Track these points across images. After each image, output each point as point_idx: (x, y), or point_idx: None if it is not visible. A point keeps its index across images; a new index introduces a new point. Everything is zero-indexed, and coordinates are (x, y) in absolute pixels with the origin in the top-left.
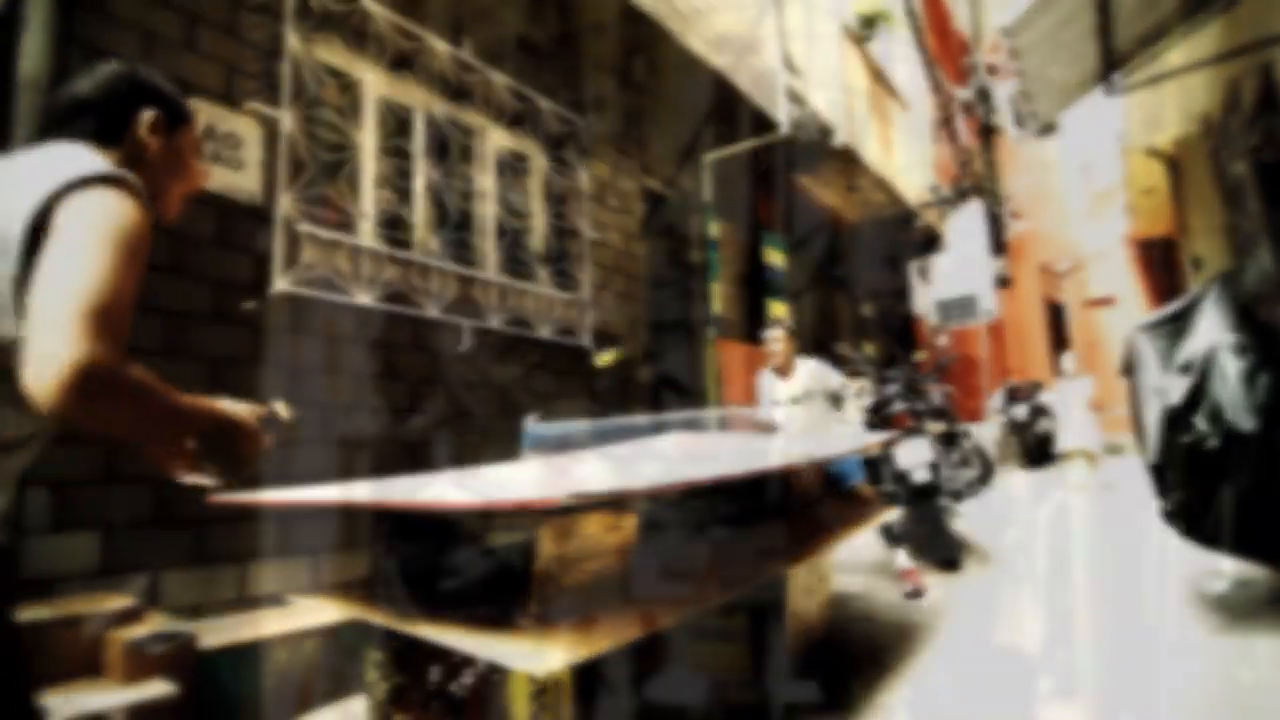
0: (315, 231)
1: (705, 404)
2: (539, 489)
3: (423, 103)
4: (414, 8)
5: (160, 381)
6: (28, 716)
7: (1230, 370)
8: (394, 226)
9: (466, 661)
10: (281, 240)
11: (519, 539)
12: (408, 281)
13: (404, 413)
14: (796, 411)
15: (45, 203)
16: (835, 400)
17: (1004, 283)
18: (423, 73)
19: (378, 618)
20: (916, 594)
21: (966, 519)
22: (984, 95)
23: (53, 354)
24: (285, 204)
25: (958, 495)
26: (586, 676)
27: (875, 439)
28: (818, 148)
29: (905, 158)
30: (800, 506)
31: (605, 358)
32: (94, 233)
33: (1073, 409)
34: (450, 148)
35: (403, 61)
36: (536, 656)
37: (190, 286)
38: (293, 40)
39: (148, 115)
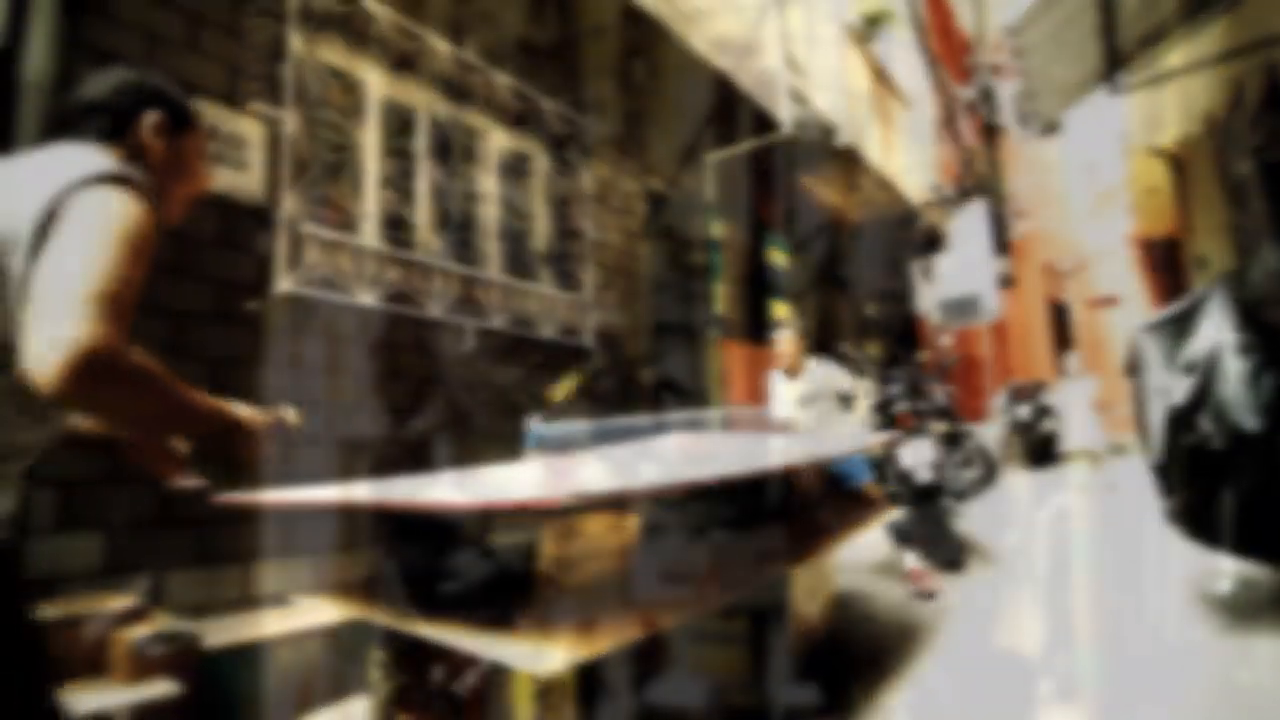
0: (318, 232)
1: (708, 404)
2: (541, 489)
3: (425, 103)
4: (416, 9)
5: (167, 372)
6: (49, 713)
7: (1234, 370)
8: (396, 227)
9: (469, 661)
10: (284, 241)
11: (521, 540)
12: (410, 282)
13: (406, 413)
14: (804, 412)
15: (53, 201)
16: (845, 401)
17: (1007, 282)
18: (425, 73)
19: (380, 618)
20: (928, 595)
21: (969, 519)
22: (987, 95)
23: (57, 337)
24: (288, 204)
25: (961, 495)
26: (588, 679)
27: (877, 439)
28: (820, 148)
29: (908, 157)
30: (802, 507)
31: (562, 386)
32: (100, 226)
33: (1076, 409)
34: (452, 148)
35: (405, 62)
36: (539, 657)
37: (193, 287)
38: (295, 41)
39: (152, 117)
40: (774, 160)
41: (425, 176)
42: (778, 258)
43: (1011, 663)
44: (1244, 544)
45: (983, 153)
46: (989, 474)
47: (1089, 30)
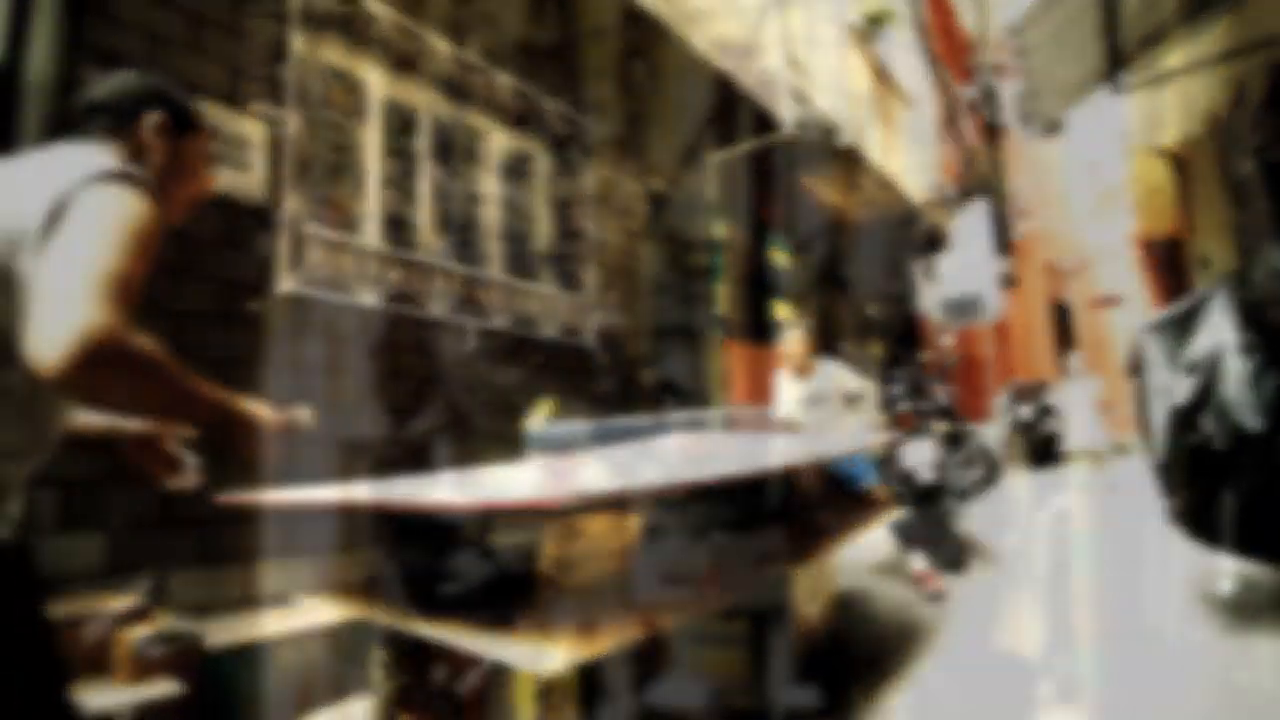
0: (320, 232)
1: (709, 405)
2: (542, 490)
3: (426, 104)
4: (417, 9)
5: (173, 361)
6: (63, 711)
7: (1236, 370)
8: (398, 227)
9: (470, 661)
10: (287, 241)
11: (521, 540)
12: (411, 282)
13: (407, 414)
14: (810, 413)
15: (59, 198)
16: (854, 404)
17: (1009, 282)
18: (426, 74)
19: (382, 618)
20: (936, 596)
21: (971, 519)
22: (988, 94)
23: (63, 323)
24: (290, 204)
25: (963, 496)
26: (589, 680)
27: (878, 439)
28: (821, 148)
29: (909, 157)
30: (803, 508)
31: (537, 413)
32: (105, 221)
33: (1078, 409)
34: (454, 148)
35: (406, 63)
36: (541, 657)
37: (195, 287)
38: (297, 42)
39: (153, 118)
40: (775, 161)
41: (426, 177)
42: (779, 258)
43: (1012, 664)
44: (1246, 544)
45: (984, 152)
46: (991, 474)
47: (1091, 30)
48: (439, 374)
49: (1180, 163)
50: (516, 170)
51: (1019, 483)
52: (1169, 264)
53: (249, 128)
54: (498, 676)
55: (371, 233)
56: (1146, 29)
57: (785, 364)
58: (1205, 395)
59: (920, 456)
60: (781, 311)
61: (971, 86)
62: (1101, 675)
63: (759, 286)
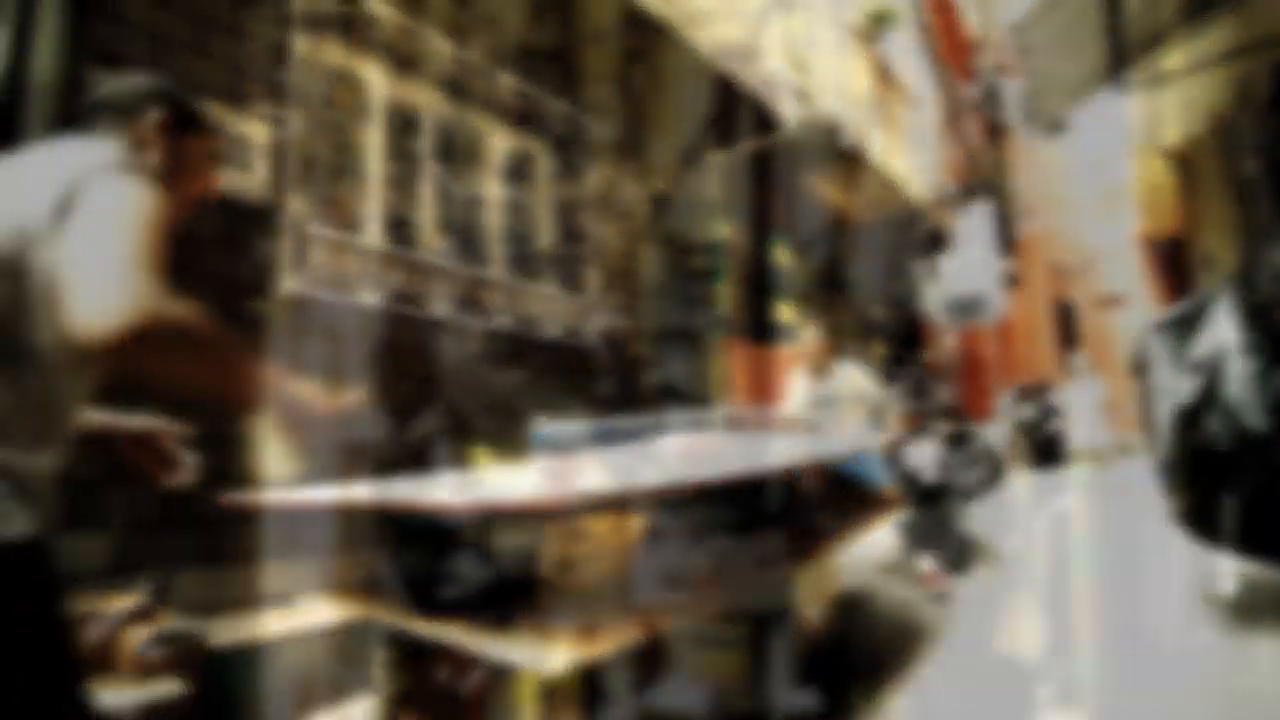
0: (323, 232)
1: (711, 405)
2: (544, 490)
3: (428, 104)
4: (420, 10)
5: (221, 333)
6: (79, 709)
7: (1241, 370)
8: (400, 228)
9: (473, 662)
10: (289, 241)
11: (524, 541)
12: (414, 283)
13: (408, 415)
14: (821, 414)
15: (69, 187)
16: (870, 407)
17: (1012, 282)
18: (428, 74)
19: (385, 618)
20: (941, 597)
21: (975, 520)
22: (992, 94)
23: (108, 294)
24: (293, 205)
25: (966, 496)
26: (590, 683)
27: (880, 438)
28: (823, 148)
29: (912, 157)
30: (804, 509)
31: (480, 454)
32: (121, 205)
33: (1082, 409)
34: (456, 149)
35: (408, 63)
36: (544, 657)
37: (198, 287)
38: (300, 43)
39: (154, 115)
40: (777, 161)
41: (428, 177)
42: (781, 259)
43: (1014, 666)
44: (1249, 544)
45: (988, 152)
46: (994, 474)
47: (1094, 29)
48: (440, 375)
49: (1184, 162)
50: (518, 171)
51: (1022, 483)
52: (1173, 264)
53: (251, 128)
54: (500, 678)
55: (373, 233)
56: (1150, 28)
57: (802, 363)
58: (1209, 395)
59: (923, 457)
60: (784, 312)
61: (975, 86)
62: (1103, 678)
63: (761, 287)
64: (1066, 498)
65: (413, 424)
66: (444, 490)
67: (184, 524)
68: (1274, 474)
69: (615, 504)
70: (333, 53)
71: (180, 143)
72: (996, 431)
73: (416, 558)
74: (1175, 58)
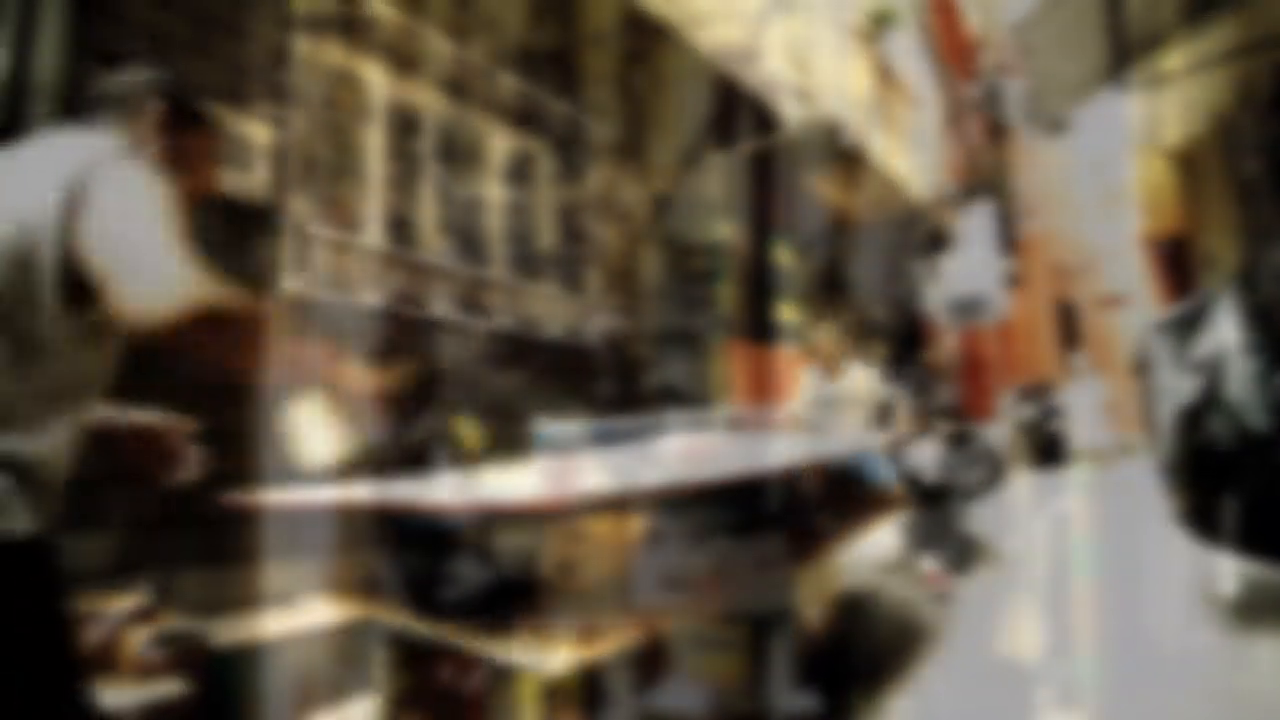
0: (323, 233)
1: (712, 405)
2: (545, 490)
3: (430, 105)
4: (421, 11)
5: (265, 310)
6: (79, 708)
7: (1243, 370)
8: (401, 228)
9: (475, 662)
10: (290, 241)
11: (524, 542)
12: (414, 283)
13: (409, 416)
14: (827, 413)
15: (78, 175)
16: (880, 409)
17: (1014, 282)
18: (429, 75)
19: (387, 618)
20: (943, 597)
21: (976, 520)
22: (994, 93)
23: (161, 278)
24: (294, 205)
25: (968, 496)
26: (591, 684)
27: (881, 438)
28: (824, 148)
29: (913, 157)
30: (806, 509)
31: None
32: (142, 192)
33: (1083, 409)
34: (457, 150)
35: (409, 64)
36: (545, 658)
37: None
38: (301, 44)
39: (154, 109)
40: (778, 161)
41: (429, 178)
42: (783, 259)
43: (1016, 668)
44: (1251, 544)
45: (989, 152)
46: (995, 474)
47: (1096, 29)
48: (443, 374)
49: (1186, 162)
50: (519, 172)
51: (1024, 483)
52: (1174, 263)
53: (253, 128)
54: (501, 678)
55: (374, 233)
56: (1151, 28)
57: (815, 361)
58: (1211, 395)
59: (925, 457)
60: (785, 312)
61: (976, 86)
62: (1104, 679)
63: (762, 288)
64: (1067, 498)
65: (413, 426)
66: (444, 491)
67: (185, 523)
68: (1275, 474)
69: (615, 505)
70: (333, 53)
71: (180, 137)
72: (998, 431)
73: (417, 559)
74: (1176, 57)
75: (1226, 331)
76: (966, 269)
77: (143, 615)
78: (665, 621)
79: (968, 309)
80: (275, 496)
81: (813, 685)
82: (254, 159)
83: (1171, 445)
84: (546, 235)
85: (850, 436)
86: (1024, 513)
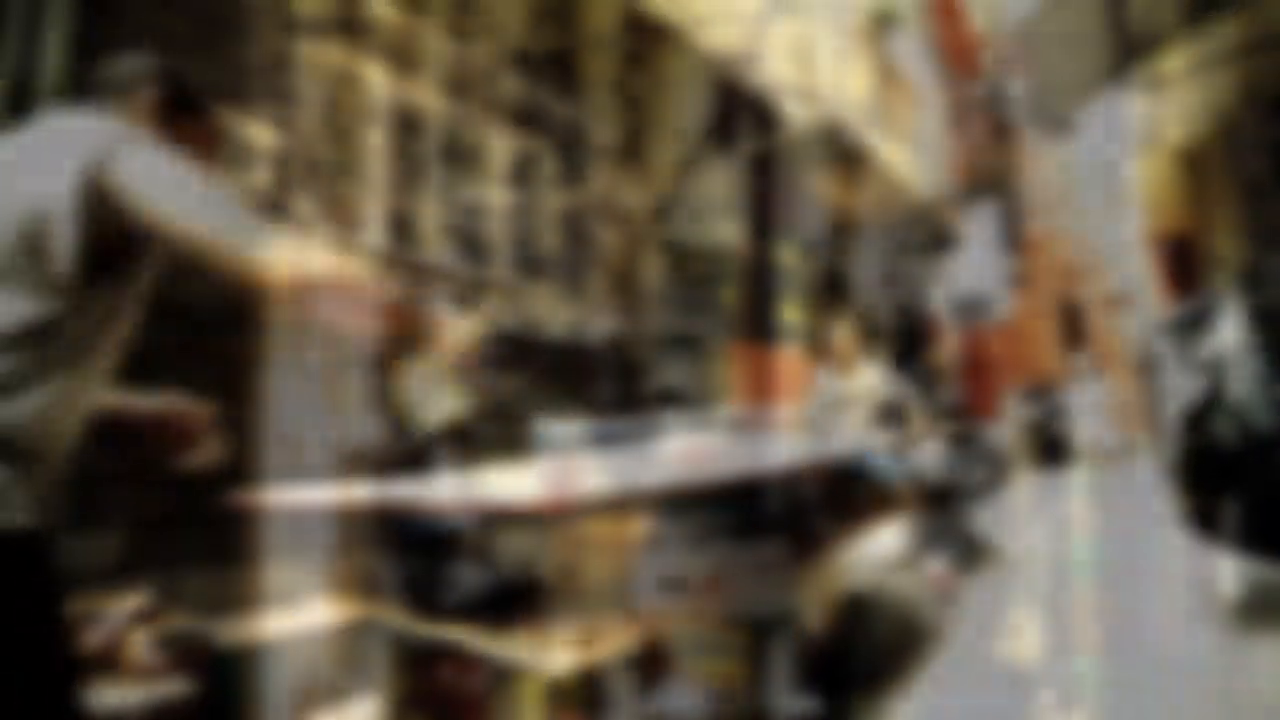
0: (324, 233)
1: (713, 407)
2: (546, 492)
3: (431, 106)
4: (422, 12)
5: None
6: (72, 709)
7: (1249, 370)
8: (402, 229)
9: (477, 664)
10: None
11: (525, 543)
12: (415, 284)
13: (408, 418)
14: (837, 413)
15: (98, 155)
16: (890, 408)
17: (1018, 281)
18: (431, 76)
19: (390, 619)
20: (948, 599)
21: (979, 520)
22: (998, 92)
23: (256, 244)
24: (295, 205)
25: (971, 496)
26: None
27: (897, 437)
28: (828, 148)
29: (917, 157)
30: (809, 511)
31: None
32: (179, 166)
33: (1088, 409)
34: (458, 151)
35: (412, 65)
36: (546, 660)
37: (201, 288)
38: (303, 45)
39: (148, 95)
40: (780, 162)
41: (431, 179)
42: (785, 260)
43: (1017, 669)
44: (1255, 545)
45: (993, 152)
46: (999, 474)
47: (1101, 28)
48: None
49: (1190, 161)
50: (520, 173)
51: (1027, 483)
52: (1179, 264)
53: (254, 128)
54: (503, 680)
55: (375, 234)
56: (1155, 27)
57: (828, 361)
58: (1217, 395)
59: (928, 457)
60: (788, 314)
61: (981, 84)
62: (1106, 681)
63: (764, 289)
64: (1071, 498)
65: (413, 428)
66: (444, 492)
67: (188, 523)
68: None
69: (616, 506)
70: (335, 54)
71: (177, 126)
72: (1002, 431)
73: (417, 560)
74: (1180, 57)
75: (1231, 332)
76: (970, 269)
77: (145, 615)
78: (666, 624)
79: (971, 309)
80: (277, 496)
81: (814, 688)
82: (256, 160)
83: (1177, 446)
84: (548, 237)
85: (858, 436)
86: (1026, 513)
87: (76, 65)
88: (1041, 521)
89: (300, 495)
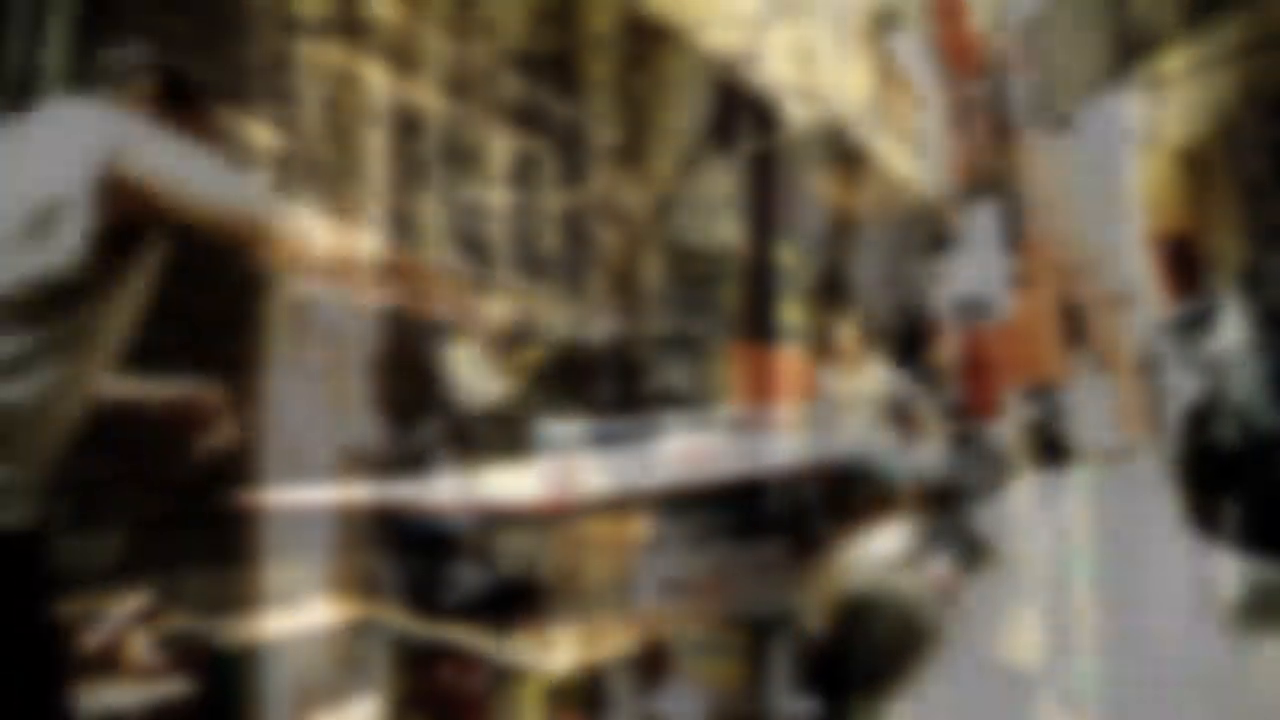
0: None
1: (714, 407)
2: (546, 492)
3: (432, 106)
4: (423, 12)
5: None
6: (59, 712)
7: (1251, 370)
8: (403, 230)
9: (477, 664)
10: None
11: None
12: (416, 285)
13: (412, 416)
14: (847, 413)
15: (113, 142)
16: (896, 407)
17: (1019, 281)
18: (432, 77)
19: (390, 619)
20: (950, 599)
21: (979, 521)
22: (1000, 92)
23: (238, 186)
24: (296, 206)
25: (972, 496)
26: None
27: (897, 437)
28: (828, 148)
29: (918, 156)
30: (810, 511)
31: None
32: (182, 145)
33: (1089, 409)
34: (459, 151)
35: (412, 65)
36: (548, 658)
37: (202, 289)
38: (303, 46)
39: (145, 86)
40: (781, 163)
41: (431, 180)
42: (786, 260)
43: (1018, 670)
44: (1259, 546)
45: (995, 151)
46: (1000, 475)
47: (1102, 27)
48: (441, 379)
49: (1192, 161)
50: (521, 174)
51: (1028, 483)
52: (1181, 263)
53: (254, 128)
54: (503, 681)
55: (377, 234)
56: (1157, 26)
57: (833, 360)
58: (1219, 395)
59: (930, 457)
60: (789, 314)
61: (983, 84)
62: (1107, 681)
63: (765, 289)
64: (1072, 498)
65: (413, 430)
66: (444, 492)
67: (188, 523)
68: None
69: (616, 506)
70: (335, 55)
71: (174, 115)
72: (1003, 431)
73: (418, 561)
74: (1181, 57)
75: (1232, 332)
76: (970, 269)
77: (146, 616)
78: (666, 624)
79: (972, 309)
80: (277, 496)
81: (814, 689)
82: (256, 160)
83: (1179, 445)
84: (548, 237)
85: (860, 435)
86: (1027, 514)
87: (78, 68)
88: (1042, 521)
89: (300, 495)
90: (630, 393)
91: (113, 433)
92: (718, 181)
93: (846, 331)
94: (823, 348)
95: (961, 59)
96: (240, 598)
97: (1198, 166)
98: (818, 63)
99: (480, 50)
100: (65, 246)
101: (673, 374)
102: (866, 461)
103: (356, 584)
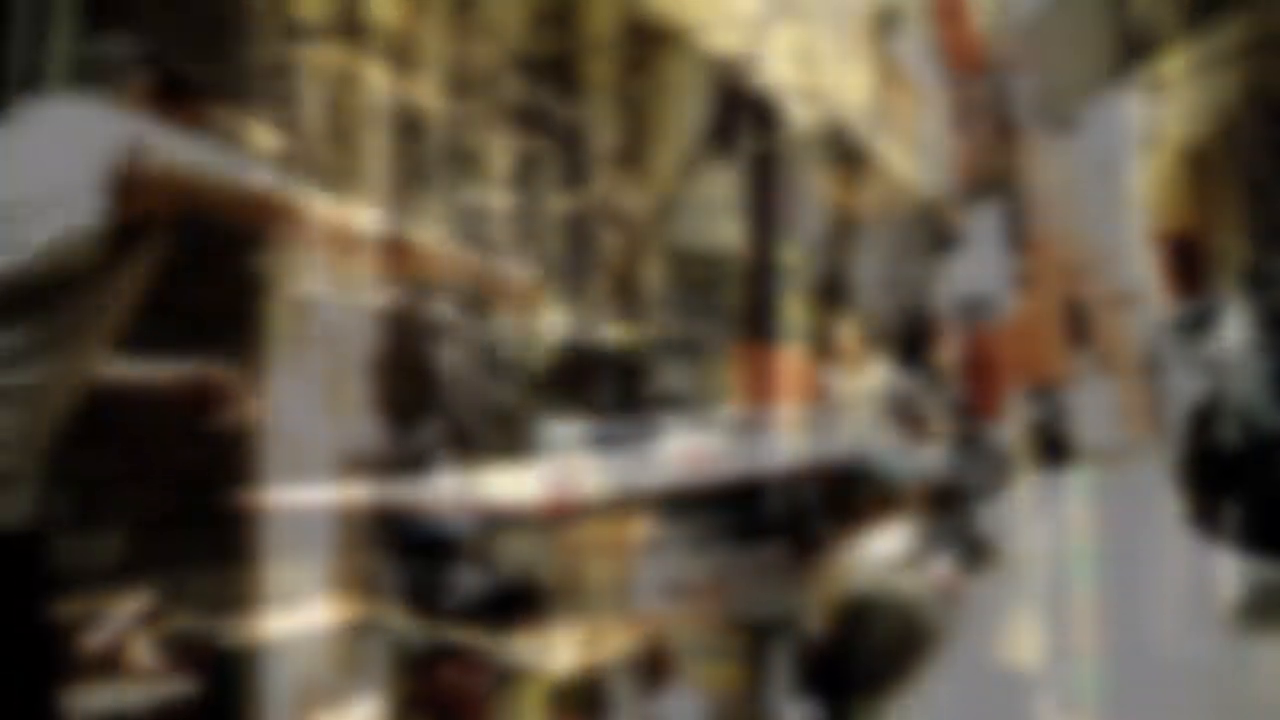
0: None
1: (715, 408)
2: (547, 494)
3: (433, 107)
4: (424, 13)
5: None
6: (51, 713)
7: (1254, 370)
8: (403, 230)
9: (479, 666)
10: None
11: (526, 546)
12: (417, 285)
13: (412, 416)
14: (849, 413)
15: (126, 138)
16: (901, 406)
17: (1022, 281)
18: (433, 77)
19: (391, 620)
20: (951, 600)
21: (982, 521)
22: (1003, 91)
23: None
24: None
25: (975, 496)
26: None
27: (884, 439)
28: (830, 149)
29: (920, 156)
30: (811, 512)
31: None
32: (186, 135)
33: (1093, 409)
34: (460, 152)
35: (413, 66)
36: (549, 660)
37: (202, 290)
38: (304, 45)
39: (139, 79)
40: (783, 164)
41: (432, 181)
42: (788, 260)
43: (1018, 672)
44: (1260, 546)
45: (998, 151)
46: (1002, 475)
47: (1105, 26)
48: (441, 381)
49: (1194, 161)
50: (522, 175)
51: (1031, 484)
52: (1183, 263)
53: (254, 129)
54: (504, 682)
55: (377, 235)
56: (1158, 27)
57: (836, 361)
58: (1222, 395)
59: (932, 457)
60: (792, 314)
61: (986, 83)
62: (1108, 684)
63: (766, 289)
64: (1074, 500)
65: (413, 432)
66: (446, 494)
67: (190, 523)
68: None
69: (617, 508)
70: (336, 57)
71: (170, 110)
72: (1006, 432)
73: (419, 562)
74: (1183, 57)
75: (1235, 332)
76: (973, 269)
77: (147, 616)
78: (666, 627)
79: (974, 309)
80: (278, 496)
81: (815, 691)
82: (255, 159)
83: (1182, 446)
84: (549, 239)
85: (861, 435)
86: (1029, 514)
87: (79, 68)
88: (1044, 522)
89: (301, 495)
90: (631, 394)
91: (115, 428)
92: (719, 182)
93: (848, 332)
94: (825, 348)
95: (963, 59)
96: (241, 598)
97: (1200, 166)
98: (819, 64)
99: (481, 52)
100: (66, 245)
101: (674, 376)
102: (868, 462)
103: (357, 585)
